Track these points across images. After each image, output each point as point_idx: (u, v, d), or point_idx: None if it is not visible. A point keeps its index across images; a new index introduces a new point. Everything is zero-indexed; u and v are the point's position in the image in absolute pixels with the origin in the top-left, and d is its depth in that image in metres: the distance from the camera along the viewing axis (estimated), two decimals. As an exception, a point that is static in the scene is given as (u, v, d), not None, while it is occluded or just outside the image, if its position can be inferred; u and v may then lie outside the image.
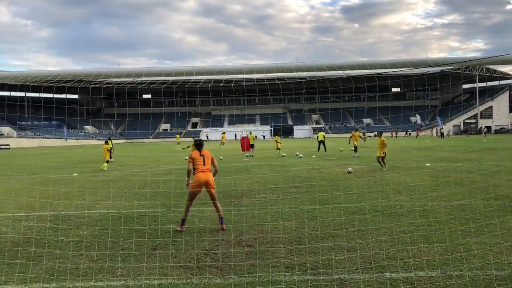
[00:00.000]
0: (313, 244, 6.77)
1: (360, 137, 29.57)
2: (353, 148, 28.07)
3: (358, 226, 7.88)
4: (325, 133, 36.80)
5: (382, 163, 18.47)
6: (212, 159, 8.40)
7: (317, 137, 35.37)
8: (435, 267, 5.63)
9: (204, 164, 8.20)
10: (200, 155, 8.27)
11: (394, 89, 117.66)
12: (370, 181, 14.32)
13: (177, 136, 62.87)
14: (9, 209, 10.61)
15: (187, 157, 8.60)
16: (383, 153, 18.56)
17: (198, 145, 8.55)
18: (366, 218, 8.53)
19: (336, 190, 12.37)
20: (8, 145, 71.10)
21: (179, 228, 7.98)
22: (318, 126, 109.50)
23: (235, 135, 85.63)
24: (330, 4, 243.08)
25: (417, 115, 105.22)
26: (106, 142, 22.87)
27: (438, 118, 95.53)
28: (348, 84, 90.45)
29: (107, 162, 22.40)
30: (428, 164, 19.69)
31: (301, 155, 28.36)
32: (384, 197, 10.95)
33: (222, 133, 54.72)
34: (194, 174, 8.24)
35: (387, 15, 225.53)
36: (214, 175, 8.37)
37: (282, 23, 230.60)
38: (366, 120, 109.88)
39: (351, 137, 28.44)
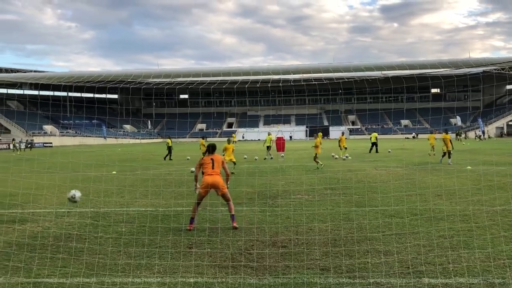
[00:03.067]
0: (349, 247, 6.69)
1: (450, 140, 22.96)
2: (432, 153, 24.91)
3: (395, 229, 7.73)
4: (377, 134, 35.41)
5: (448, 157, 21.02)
6: (222, 163, 8.59)
7: (370, 138, 34.74)
8: (476, 274, 5.46)
9: (213, 168, 8.35)
10: (210, 159, 8.44)
11: (433, 90, 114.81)
12: (408, 184, 14.03)
13: (233, 135, 62.04)
14: (52, 205, 10.99)
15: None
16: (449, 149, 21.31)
17: (210, 149, 8.67)
18: (404, 221, 8.36)
19: (373, 192, 12.18)
20: (51, 143, 73.70)
21: (188, 227, 8.07)
22: (355, 127, 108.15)
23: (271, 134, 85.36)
24: (369, 4, 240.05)
25: (457, 117, 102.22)
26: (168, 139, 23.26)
27: (480, 120, 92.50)
28: (386, 85, 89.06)
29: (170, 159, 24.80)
30: (469, 167, 19.10)
31: (336, 156, 28.05)
32: (422, 201, 10.70)
33: (233, 134, 55.50)
34: (202, 177, 8.39)
35: (427, 14, 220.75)
36: (227, 180, 8.58)
37: (320, 23, 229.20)
38: (405, 122, 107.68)
39: (434, 139, 25.72)
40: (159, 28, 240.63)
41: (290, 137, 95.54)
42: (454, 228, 7.73)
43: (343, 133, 31.44)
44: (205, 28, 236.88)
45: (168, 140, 30.53)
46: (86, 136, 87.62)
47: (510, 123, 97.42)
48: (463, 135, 65.77)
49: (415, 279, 5.35)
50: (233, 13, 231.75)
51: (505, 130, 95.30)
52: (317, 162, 20.67)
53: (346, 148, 28.83)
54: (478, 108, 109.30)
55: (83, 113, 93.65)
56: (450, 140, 22.23)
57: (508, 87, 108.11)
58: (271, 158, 27.96)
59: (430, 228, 7.77)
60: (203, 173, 8.41)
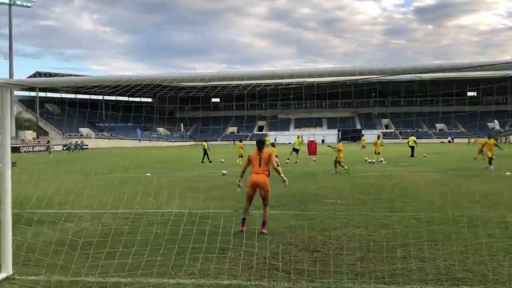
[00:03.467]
0: (384, 253, 6.58)
1: (496, 145, 22.95)
2: (485, 158, 23.04)
3: (431, 235, 7.56)
4: (415, 138, 34.50)
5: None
6: (270, 158, 8.25)
7: (408, 142, 34.00)
8: (517, 283, 5.29)
9: (260, 166, 8.20)
10: (258, 156, 8.27)
11: (470, 93, 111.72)
12: (443, 189, 13.70)
13: (267, 138, 62.23)
14: (90, 205, 11.27)
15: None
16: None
17: (258, 145, 8.51)
18: (439, 228, 8.17)
19: (407, 197, 11.97)
20: (87, 145, 75.55)
21: (240, 228, 8.10)
22: (388, 130, 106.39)
23: (302, 137, 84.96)
24: (403, 6, 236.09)
25: (495, 121, 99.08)
26: (240, 141, 23.15)
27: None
28: (422, 87, 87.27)
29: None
30: (508, 173, 18.51)
31: (370, 160, 27.67)
32: (459, 207, 10.43)
33: (266, 136, 55.82)
34: (249, 175, 8.31)
35: (464, 15, 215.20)
36: (279, 173, 8.33)
37: (352, 26, 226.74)
38: (440, 126, 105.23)
39: (483, 145, 23.33)
40: (191, 32, 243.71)
41: (323, 140, 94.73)
42: (493, 235, 7.50)
43: (378, 137, 31.01)
44: (236, 32, 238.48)
45: (204, 143, 30.93)
46: (121, 138, 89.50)
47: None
48: (499, 140, 62.20)
49: (452, 287, 5.23)
50: (264, 16, 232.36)
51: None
52: (343, 167, 20.52)
53: (378, 153, 28.38)
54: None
55: (118, 116, 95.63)
56: (494, 146, 21.90)
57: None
58: (296, 162, 27.60)
59: (468, 235, 7.56)
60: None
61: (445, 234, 7.67)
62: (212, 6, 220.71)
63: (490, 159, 21.12)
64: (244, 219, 8.24)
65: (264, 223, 8.13)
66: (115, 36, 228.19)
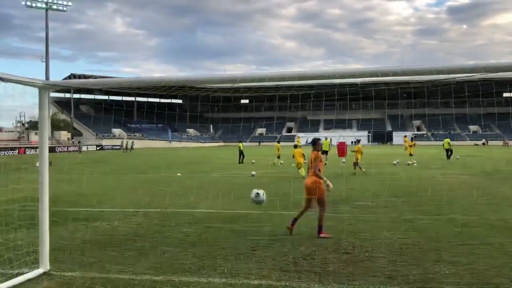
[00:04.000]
0: (416, 256, 6.47)
1: None
2: None
3: (465, 239, 7.38)
4: (450, 140, 33.74)
5: None
6: (314, 160, 8.02)
7: (443, 144, 33.36)
8: (557, 290, 5.11)
9: (310, 167, 8.09)
10: (312, 157, 8.08)
11: (505, 94, 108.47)
12: (477, 193, 13.34)
13: (298, 138, 62.21)
14: (122, 204, 11.50)
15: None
16: None
17: (311, 145, 8.33)
18: (474, 231, 7.97)
19: (440, 200, 11.71)
20: (119, 145, 77.03)
21: (289, 227, 7.99)
22: (420, 132, 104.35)
23: (331, 139, 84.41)
24: (435, 5, 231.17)
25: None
26: (296, 147, 22.38)
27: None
28: (456, 88, 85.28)
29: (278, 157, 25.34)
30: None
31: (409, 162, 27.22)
32: (494, 211, 10.14)
33: (297, 137, 56.17)
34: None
35: (499, 14, 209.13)
36: (320, 178, 7.91)
37: (383, 26, 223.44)
38: (473, 128, 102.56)
39: None
40: (221, 34, 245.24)
41: (358, 140, 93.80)
42: (531, 241, 7.27)
43: (412, 139, 30.62)
44: (265, 33, 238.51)
45: (240, 144, 31.24)
46: (152, 139, 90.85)
47: None
48: None
49: (489, 293, 5.10)
50: (294, 18, 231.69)
51: None
52: (360, 168, 20.33)
53: (411, 155, 27.94)
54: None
55: (149, 117, 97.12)
56: None
57: None
58: (325, 163, 27.46)
59: (504, 239, 7.35)
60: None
61: (479, 238, 7.48)
62: (241, 8, 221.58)
63: None
64: (295, 219, 8.01)
65: (320, 228, 7.82)
66: (146, 39, 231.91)
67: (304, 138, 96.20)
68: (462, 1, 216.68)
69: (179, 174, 20.39)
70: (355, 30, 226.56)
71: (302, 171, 19.26)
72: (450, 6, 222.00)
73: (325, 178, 7.99)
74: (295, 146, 21.50)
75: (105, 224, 9.14)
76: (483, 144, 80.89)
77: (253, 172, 20.48)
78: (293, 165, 27.06)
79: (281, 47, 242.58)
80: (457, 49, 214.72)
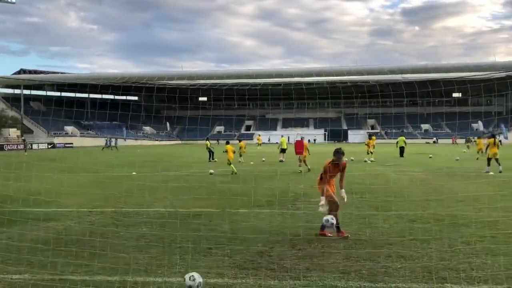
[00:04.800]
0: (370, 251, 6.63)
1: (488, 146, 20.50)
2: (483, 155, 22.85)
3: (417, 234, 7.63)
4: (404, 138, 34.66)
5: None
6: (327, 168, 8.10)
7: (397, 142, 34.23)
8: (500, 281, 5.36)
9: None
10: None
11: (455, 95, 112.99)
12: (430, 189, 13.84)
13: (259, 137, 62.46)
14: (74, 204, 11.16)
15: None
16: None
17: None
18: (426, 227, 8.25)
19: (394, 197, 12.05)
20: (71, 143, 74.88)
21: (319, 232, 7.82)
22: (374, 131, 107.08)
23: (288, 138, 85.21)
24: (390, 7, 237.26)
25: (479, 122, 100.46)
26: (228, 143, 22.14)
27: (503, 125, 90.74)
28: (410, 88, 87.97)
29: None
30: (492, 173, 18.76)
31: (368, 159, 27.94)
32: (445, 206, 10.54)
33: (258, 135, 57.48)
34: None
35: (450, 17, 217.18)
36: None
37: (340, 26, 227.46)
38: (425, 126, 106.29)
39: (488, 145, 20.59)
40: (179, 31, 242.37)
41: (314, 140, 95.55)
42: (478, 235, 7.60)
43: (370, 136, 31.61)
44: (225, 31, 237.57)
45: (207, 142, 30.95)
46: (106, 137, 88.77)
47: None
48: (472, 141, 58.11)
49: (438, 285, 5.29)
50: (253, 16, 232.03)
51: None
52: (306, 165, 20.82)
53: (371, 153, 28.88)
54: (501, 113, 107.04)
55: (103, 114, 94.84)
56: (489, 145, 20.20)
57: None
58: (281, 161, 28.06)
59: (453, 234, 7.65)
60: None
61: (430, 233, 7.75)
62: (200, 4, 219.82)
63: (488, 160, 19.89)
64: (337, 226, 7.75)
65: (338, 229, 7.72)
66: (102, 34, 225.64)
67: (266, 136, 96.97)
68: (415, 3, 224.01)
69: (134, 173, 20.01)
70: (313, 30, 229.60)
71: (233, 168, 19.90)
72: (403, 8, 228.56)
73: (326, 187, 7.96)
74: (227, 143, 21.69)
75: (57, 224, 8.86)
76: (434, 142, 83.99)
77: (211, 170, 20.39)
78: (240, 161, 27.29)
79: (240, 45, 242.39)
80: (411, 50, 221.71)
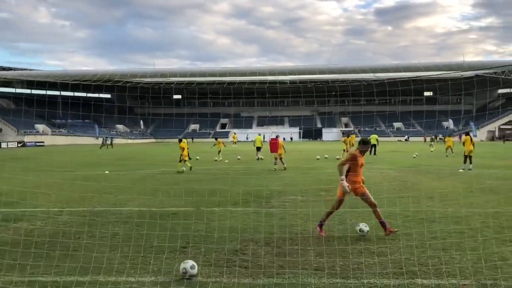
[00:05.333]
0: (343, 247, 6.73)
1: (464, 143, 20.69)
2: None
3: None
4: (377, 136, 35.04)
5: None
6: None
7: (369, 140, 34.55)
8: (468, 275, 5.51)
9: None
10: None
11: (426, 93, 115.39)
12: (401, 186, 14.11)
13: (235, 135, 62.42)
14: (46, 203, 10.94)
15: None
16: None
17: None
18: (397, 223, 8.41)
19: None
20: (43, 142, 73.29)
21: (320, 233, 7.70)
22: (348, 129, 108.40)
23: (264, 136, 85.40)
24: (363, 7, 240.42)
25: (450, 120, 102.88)
26: (180, 141, 21.58)
27: (472, 123, 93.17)
28: (381, 87, 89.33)
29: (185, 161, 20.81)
30: (461, 170, 19.24)
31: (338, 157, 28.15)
32: (415, 203, 10.77)
33: (234, 133, 58.55)
34: None
35: (421, 17, 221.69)
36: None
37: (314, 26, 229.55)
38: (397, 124, 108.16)
39: (464, 142, 20.65)
40: (153, 28, 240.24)
41: (291, 138, 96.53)
42: (446, 230, 7.80)
43: (348, 135, 31.90)
44: (199, 28, 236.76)
45: (184, 141, 30.75)
46: (78, 135, 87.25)
47: (502, 126, 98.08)
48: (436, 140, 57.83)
49: (408, 280, 5.40)
50: (227, 14, 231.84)
51: (496, 134, 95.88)
52: (282, 163, 21.03)
53: (347, 151, 29.14)
54: (470, 111, 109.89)
55: (76, 112, 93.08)
56: (464, 142, 20.36)
57: (500, 91, 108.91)
58: (259, 158, 28.11)
59: (423, 229, 7.83)
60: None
61: (401, 229, 7.90)
62: (175, 2, 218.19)
63: (465, 157, 20.13)
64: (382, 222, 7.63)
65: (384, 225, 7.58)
66: (74, 30, 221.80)
67: (243, 134, 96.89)
68: (387, 3, 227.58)
69: (107, 172, 19.75)
70: (287, 29, 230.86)
71: (188, 164, 20.16)
72: (376, 8, 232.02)
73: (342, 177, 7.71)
74: (180, 140, 21.64)
75: (27, 224, 8.67)
76: (406, 140, 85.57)
77: (183, 168, 20.26)
78: (197, 158, 27.23)
79: (215, 43, 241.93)
80: (384, 50, 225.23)
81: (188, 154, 21.00)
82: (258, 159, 28.08)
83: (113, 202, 11.21)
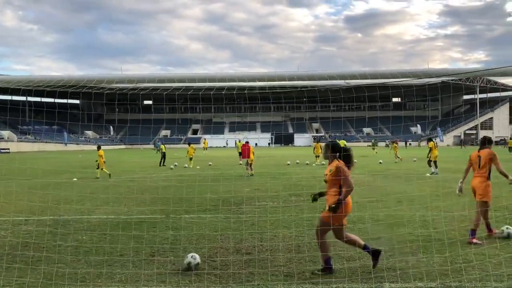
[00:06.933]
0: (312, 253, 6.75)
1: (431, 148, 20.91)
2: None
3: (358, 235, 7.84)
4: (345, 142, 35.60)
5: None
6: (491, 159, 7.67)
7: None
8: (434, 278, 5.61)
9: (479, 167, 7.85)
10: (477, 156, 7.85)
11: (394, 99, 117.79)
12: (370, 191, 14.30)
13: (205, 141, 62.22)
14: (9, 212, 10.59)
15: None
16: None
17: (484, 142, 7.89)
18: (366, 227, 8.51)
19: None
20: (8, 149, 71.09)
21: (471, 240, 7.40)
22: (318, 134, 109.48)
23: (235, 142, 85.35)
24: (334, 14, 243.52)
25: (417, 125, 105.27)
26: (99, 148, 21.57)
27: (439, 128, 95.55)
28: (349, 93, 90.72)
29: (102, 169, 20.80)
30: (428, 174, 19.66)
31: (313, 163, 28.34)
32: (384, 207, 10.92)
33: (204, 139, 59.58)
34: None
35: (390, 25, 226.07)
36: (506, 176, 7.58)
37: (286, 32, 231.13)
38: (367, 130, 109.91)
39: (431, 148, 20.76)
40: (124, 32, 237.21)
41: (268, 143, 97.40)
42: (414, 234, 7.94)
43: (318, 141, 32.29)
44: (170, 33, 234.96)
45: (162, 146, 30.99)
46: (46, 142, 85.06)
47: (467, 132, 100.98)
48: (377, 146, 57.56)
49: (377, 284, 5.46)
50: (200, 19, 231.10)
51: (462, 138, 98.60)
52: (251, 169, 21.15)
53: (318, 156, 29.45)
54: (436, 117, 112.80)
55: (43, 118, 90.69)
56: (431, 148, 20.58)
57: (465, 97, 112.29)
58: (240, 163, 28.28)
59: (392, 234, 7.94)
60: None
61: (370, 233, 8.00)
62: (146, 7, 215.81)
63: (429, 162, 20.53)
64: (473, 230, 7.49)
65: (472, 233, 7.48)
66: (42, 34, 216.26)
67: (216, 140, 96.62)
68: (357, 11, 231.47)
69: (75, 179, 19.31)
70: (260, 35, 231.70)
71: (106, 171, 20.41)
72: (346, 15, 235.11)
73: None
74: (99, 147, 21.58)
75: (-12, 235, 8.36)
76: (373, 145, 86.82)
77: (171, 166, 20.05)
78: (171, 168, 27.05)
79: (187, 48, 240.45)
80: (354, 57, 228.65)
81: (105, 162, 20.94)
82: (240, 164, 28.32)
83: (80, 211, 10.95)
